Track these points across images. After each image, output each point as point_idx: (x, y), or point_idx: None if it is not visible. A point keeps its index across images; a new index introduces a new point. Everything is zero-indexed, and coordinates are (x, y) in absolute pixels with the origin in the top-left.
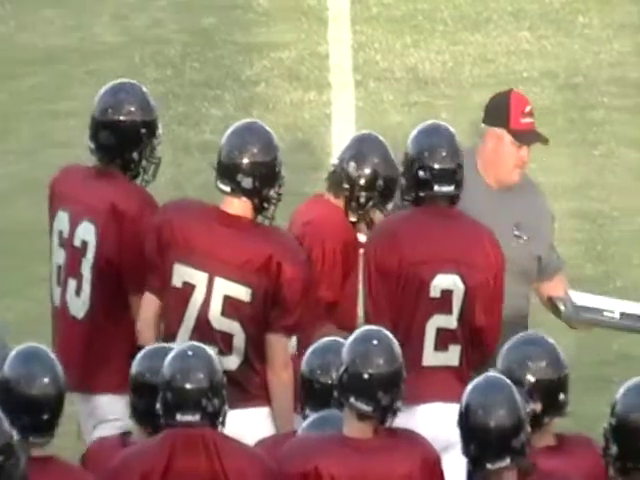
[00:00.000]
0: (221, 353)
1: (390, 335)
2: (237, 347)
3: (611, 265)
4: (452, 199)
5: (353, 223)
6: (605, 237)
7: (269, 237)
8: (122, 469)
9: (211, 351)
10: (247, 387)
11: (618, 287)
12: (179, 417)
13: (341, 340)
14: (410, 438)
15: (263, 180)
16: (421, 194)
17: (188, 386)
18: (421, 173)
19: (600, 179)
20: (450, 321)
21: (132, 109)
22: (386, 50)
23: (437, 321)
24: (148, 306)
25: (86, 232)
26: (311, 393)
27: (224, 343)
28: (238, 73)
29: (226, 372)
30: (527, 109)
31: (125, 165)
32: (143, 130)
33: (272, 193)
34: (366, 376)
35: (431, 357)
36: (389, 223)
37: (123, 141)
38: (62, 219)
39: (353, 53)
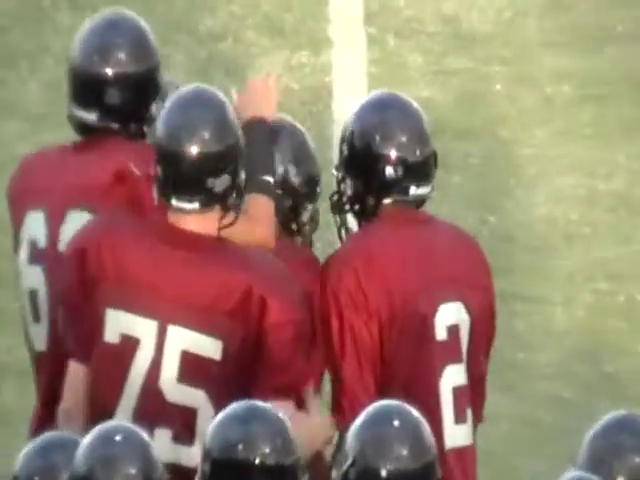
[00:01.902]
0: (177, 440)
1: (416, 413)
2: (202, 429)
3: None
4: (424, 202)
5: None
6: None
7: (246, 261)
8: None
9: (145, 435)
10: None
11: None
12: None
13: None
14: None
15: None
16: (386, 200)
17: None
18: (389, 171)
19: None
20: (461, 373)
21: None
22: None
23: (451, 376)
24: (75, 382)
25: (79, 225)
26: None
27: (183, 424)
28: (194, 24)
29: (186, 472)
30: None
31: (137, 128)
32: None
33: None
34: (384, 473)
35: (453, 433)
36: (356, 245)
37: (140, 95)
38: (34, 222)
39: None
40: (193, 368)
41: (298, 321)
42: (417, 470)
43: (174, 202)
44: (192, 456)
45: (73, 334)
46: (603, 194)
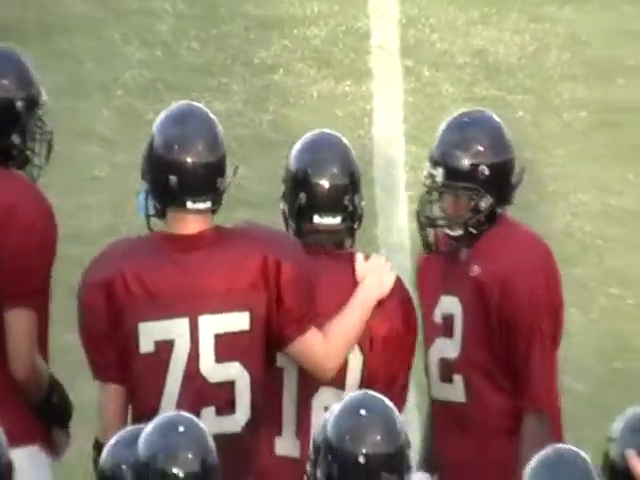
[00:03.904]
0: (219, 412)
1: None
2: (240, 398)
3: None
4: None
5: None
6: None
7: (250, 236)
8: None
9: (201, 423)
10: (255, 457)
11: None
12: None
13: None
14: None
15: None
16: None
17: (181, 474)
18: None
19: None
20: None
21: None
22: (445, 28)
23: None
24: (113, 401)
25: None
26: None
27: (223, 398)
28: (250, 56)
29: (229, 437)
30: None
31: (4, 154)
32: (20, 104)
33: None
34: (361, 459)
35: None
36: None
37: None
38: None
39: (401, 31)
40: (227, 345)
41: (306, 272)
42: (391, 452)
43: (189, 205)
44: (232, 424)
45: (104, 360)
46: (615, 209)
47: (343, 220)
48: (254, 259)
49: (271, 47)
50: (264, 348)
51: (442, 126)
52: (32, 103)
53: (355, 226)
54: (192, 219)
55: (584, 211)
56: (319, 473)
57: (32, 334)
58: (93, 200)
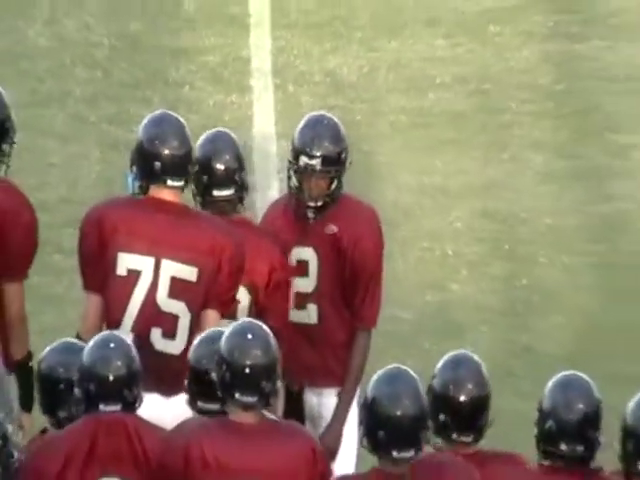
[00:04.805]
0: (164, 335)
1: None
2: (182, 329)
3: (518, 263)
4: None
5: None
6: (512, 236)
7: (210, 221)
8: (48, 449)
9: (128, 339)
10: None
11: (524, 285)
12: (102, 407)
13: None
14: (293, 425)
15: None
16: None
17: (111, 378)
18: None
19: (508, 181)
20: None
21: None
22: (304, 55)
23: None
24: (93, 307)
25: None
26: (202, 383)
27: (169, 325)
28: (165, 75)
29: (169, 357)
30: None
31: None
32: (7, 122)
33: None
34: (247, 370)
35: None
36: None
37: None
38: None
39: (273, 58)
40: (178, 288)
41: (241, 259)
42: (268, 362)
43: (169, 182)
44: (172, 348)
45: (93, 277)
46: (428, 187)
47: (235, 191)
48: (210, 233)
49: (180, 69)
50: (205, 297)
51: (302, 125)
52: (10, 119)
53: (244, 195)
54: (168, 193)
55: (406, 189)
56: (215, 377)
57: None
58: (52, 179)
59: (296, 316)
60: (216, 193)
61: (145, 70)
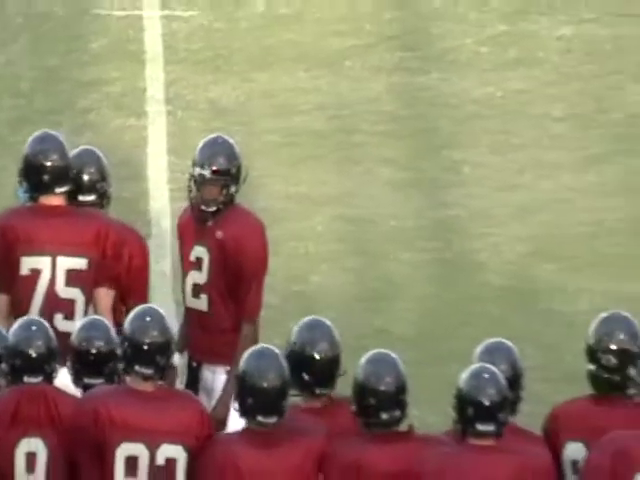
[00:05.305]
0: (66, 318)
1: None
2: (79, 311)
3: (369, 259)
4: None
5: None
6: (364, 236)
7: (92, 217)
8: None
9: (46, 323)
10: None
11: (374, 276)
12: (26, 379)
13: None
14: (184, 393)
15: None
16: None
17: (34, 355)
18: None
19: (361, 190)
20: None
21: None
22: (192, 86)
23: None
24: (2, 304)
25: None
26: (85, 362)
27: (68, 310)
28: (75, 103)
29: (69, 335)
30: None
31: None
32: None
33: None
34: (145, 347)
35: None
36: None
37: None
38: None
39: (165, 88)
40: (72, 277)
41: (122, 244)
42: (164, 340)
43: (57, 190)
44: (74, 326)
45: (1, 278)
46: (297, 196)
47: (97, 197)
48: (94, 226)
49: (89, 98)
50: (94, 283)
51: (201, 144)
52: None
53: (104, 203)
54: (56, 199)
55: (276, 196)
56: (119, 352)
57: None
58: None
59: (193, 303)
60: (81, 198)
61: (59, 99)
